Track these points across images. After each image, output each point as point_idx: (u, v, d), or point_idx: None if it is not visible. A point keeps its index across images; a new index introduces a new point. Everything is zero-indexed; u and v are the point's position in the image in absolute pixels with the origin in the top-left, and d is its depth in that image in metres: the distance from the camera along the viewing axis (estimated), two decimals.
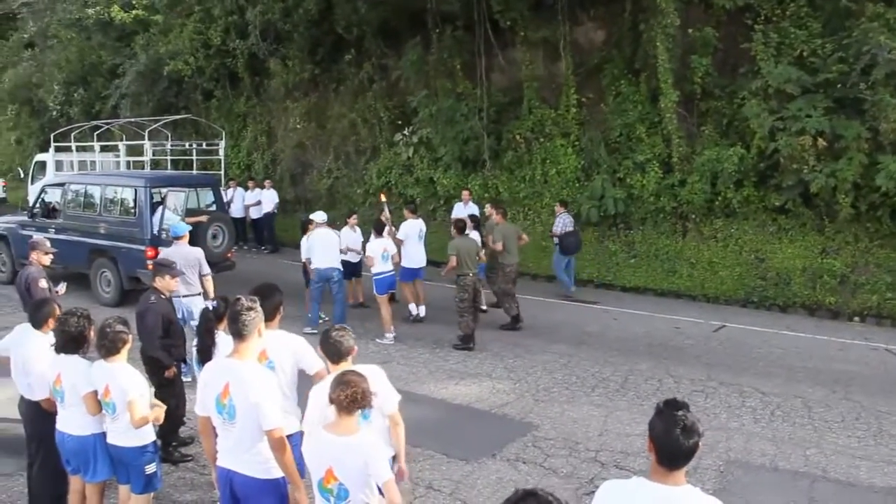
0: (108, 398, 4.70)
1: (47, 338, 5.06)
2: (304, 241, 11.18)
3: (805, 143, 12.19)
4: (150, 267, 8.84)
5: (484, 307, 11.30)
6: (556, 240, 13.19)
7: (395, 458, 4.45)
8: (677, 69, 14.36)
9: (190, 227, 9.75)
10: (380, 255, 10.63)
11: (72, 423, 4.87)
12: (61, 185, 13.86)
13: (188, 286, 8.83)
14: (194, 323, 8.53)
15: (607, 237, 15.02)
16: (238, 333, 4.19)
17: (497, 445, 6.93)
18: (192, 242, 9.79)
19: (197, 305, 8.61)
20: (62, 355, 4.88)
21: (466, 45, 17.34)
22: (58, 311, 5.17)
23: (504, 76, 17.25)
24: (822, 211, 12.98)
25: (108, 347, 4.75)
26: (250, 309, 4.19)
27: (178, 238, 9.25)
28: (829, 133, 12.15)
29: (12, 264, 14.08)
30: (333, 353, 4.39)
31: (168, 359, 6.51)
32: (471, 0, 16.55)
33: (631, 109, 15.15)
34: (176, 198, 13.36)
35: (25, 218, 14.15)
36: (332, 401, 3.71)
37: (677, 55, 14.37)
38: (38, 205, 13.99)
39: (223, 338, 5.34)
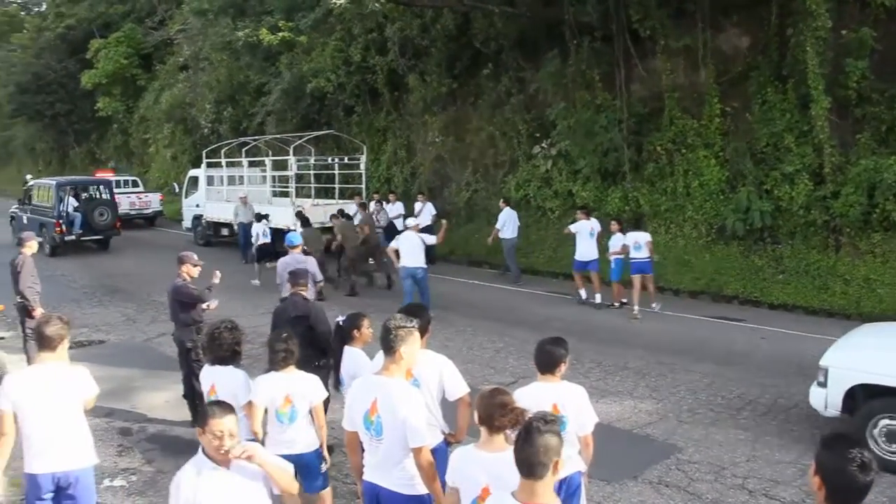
0: (286, 407, 5.24)
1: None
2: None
3: None
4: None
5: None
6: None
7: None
8: (829, 74, 14.26)
9: (301, 241, 10.81)
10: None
11: None
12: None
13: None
14: None
15: (753, 252, 15.14)
16: (389, 350, 4.42)
17: (639, 467, 7.03)
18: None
19: None
20: (216, 367, 5.56)
21: (605, 55, 17.89)
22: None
23: (644, 86, 17.64)
24: None
25: (285, 359, 5.33)
26: (401, 327, 4.43)
27: (292, 248, 10.33)
28: None
29: None
30: (544, 363, 4.75)
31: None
32: (609, 10, 17.11)
33: (778, 118, 15.20)
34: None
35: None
36: (488, 423, 3.88)
37: (829, 59, 14.27)
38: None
39: (353, 352, 5.83)
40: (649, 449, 7.54)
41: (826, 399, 7.30)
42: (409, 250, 12.71)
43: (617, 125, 17.36)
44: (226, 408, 3.81)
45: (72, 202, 22.78)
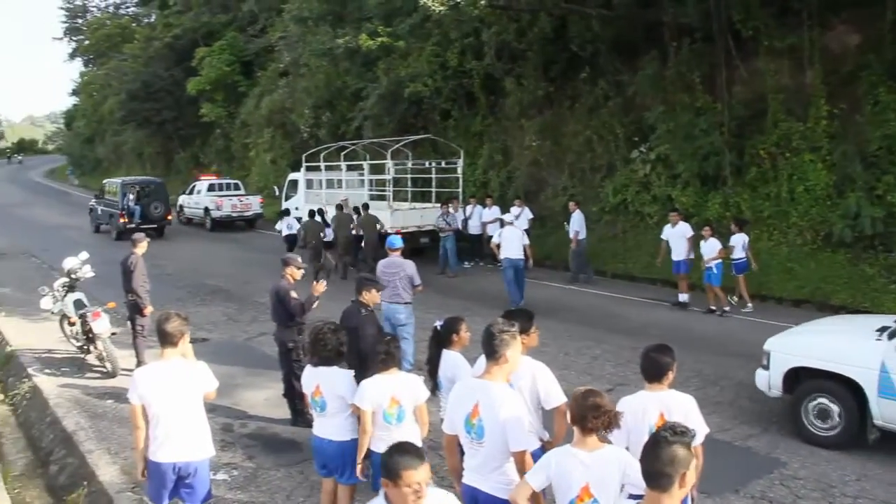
0: (393, 408, 5.40)
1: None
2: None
3: None
4: None
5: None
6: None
7: None
8: None
9: (402, 244, 10.80)
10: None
11: (333, 429, 5.69)
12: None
13: (395, 294, 9.89)
14: (402, 328, 9.94)
15: (863, 260, 14.71)
16: (490, 354, 4.50)
17: (741, 481, 6.95)
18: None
19: (401, 313, 9.98)
20: (320, 368, 5.75)
21: (705, 57, 17.74)
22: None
23: (746, 88, 17.38)
24: None
25: (385, 361, 5.50)
26: (505, 331, 4.51)
27: (393, 250, 10.44)
28: None
29: None
30: (651, 371, 4.78)
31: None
32: (710, 10, 16.90)
33: (892, 119, 14.78)
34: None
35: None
36: (581, 424, 4.00)
37: None
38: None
39: (451, 356, 5.93)
40: (752, 462, 7.46)
41: (769, 380, 8.22)
42: (510, 243, 14.41)
43: (718, 128, 17.18)
44: (417, 455, 3.56)
45: (132, 197, 28.13)
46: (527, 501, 4.08)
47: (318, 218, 18.77)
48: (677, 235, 14.25)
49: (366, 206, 19.46)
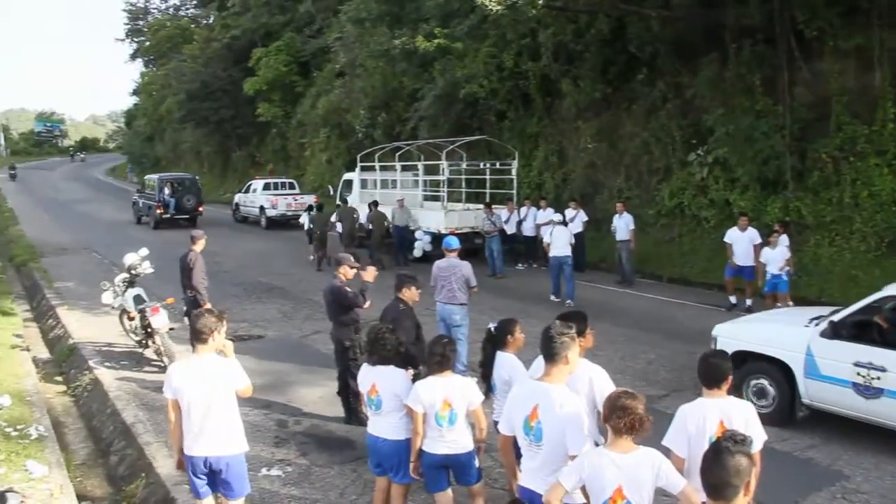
0: (445, 411, 5.44)
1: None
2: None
3: None
4: None
5: None
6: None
7: None
8: None
9: (459, 245, 10.83)
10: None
11: (388, 428, 5.75)
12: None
13: (450, 295, 10.06)
14: (457, 329, 10.02)
15: None
16: (549, 356, 4.55)
17: (800, 493, 6.83)
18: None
19: (457, 314, 10.09)
20: (378, 367, 5.83)
21: (767, 58, 17.47)
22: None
23: (809, 90, 17.07)
24: None
25: (440, 363, 5.55)
26: (563, 334, 4.55)
27: (450, 251, 10.47)
28: None
29: None
30: (710, 377, 4.73)
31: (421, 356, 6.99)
32: (773, 11, 16.67)
33: None
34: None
35: None
36: (609, 424, 4.03)
37: None
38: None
39: (507, 358, 5.95)
40: (812, 474, 7.31)
41: None
42: (559, 242, 15.38)
43: (779, 131, 16.91)
44: None
45: (167, 191, 31.36)
46: (559, 502, 4.13)
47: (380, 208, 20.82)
48: (746, 240, 14.09)
49: (375, 204, 21.14)
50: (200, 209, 32.09)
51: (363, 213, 21.48)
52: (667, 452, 4.53)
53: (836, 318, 8.15)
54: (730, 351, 8.49)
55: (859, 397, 7.70)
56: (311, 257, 21.11)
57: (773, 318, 10.15)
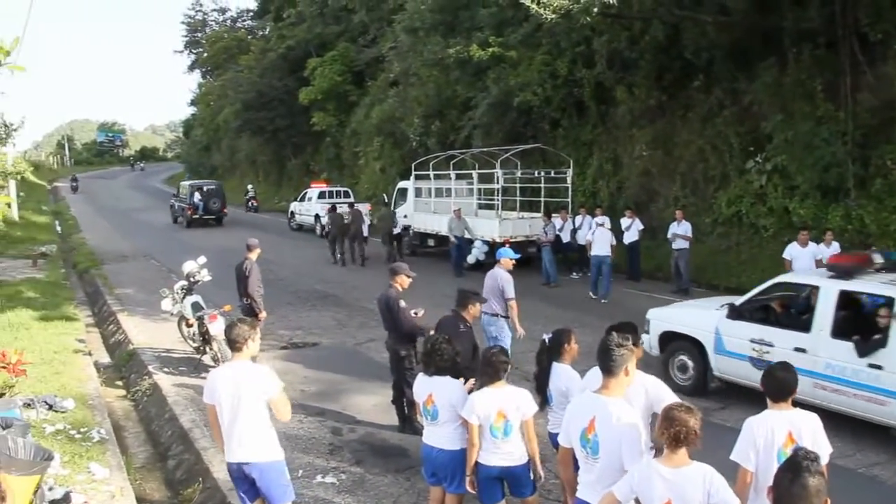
0: (500, 422, 5.48)
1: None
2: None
3: None
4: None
5: None
6: None
7: None
8: None
9: (513, 256, 10.57)
10: None
11: (443, 438, 5.83)
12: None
13: (487, 305, 9.61)
14: (493, 341, 9.83)
15: None
16: (607, 369, 4.54)
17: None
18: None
19: (492, 325, 10.04)
20: (435, 377, 5.93)
21: (828, 63, 17.21)
22: None
23: (873, 95, 16.69)
24: None
25: (493, 374, 5.61)
26: (621, 345, 4.54)
27: (498, 262, 10.26)
28: None
29: None
30: (777, 389, 4.70)
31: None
32: (835, 14, 16.42)
33: None
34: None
35: None
36: (660, 436, 4.03)
37: None
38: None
39: (563, 369, 6.01)
40: (877, 492, 7.17)
41: (649, 342, 10.30)
42: (600, 242, 16.82)
43: (840, 138, 16.62)
44: None
45: (197, 196, 36.36)
46: None
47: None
48: (808, 256, 13.63)
49: (351, 205, 25.51)
50: (225, 210, 37.42)
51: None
52: (735, 467, 4.53)
53: (738, 301, 9.64)
54: (659, 332, 10.46)
55: (754, 369, 8.88)
56: (338, 255, 23.62)
57: (696, 303, 11.91)
